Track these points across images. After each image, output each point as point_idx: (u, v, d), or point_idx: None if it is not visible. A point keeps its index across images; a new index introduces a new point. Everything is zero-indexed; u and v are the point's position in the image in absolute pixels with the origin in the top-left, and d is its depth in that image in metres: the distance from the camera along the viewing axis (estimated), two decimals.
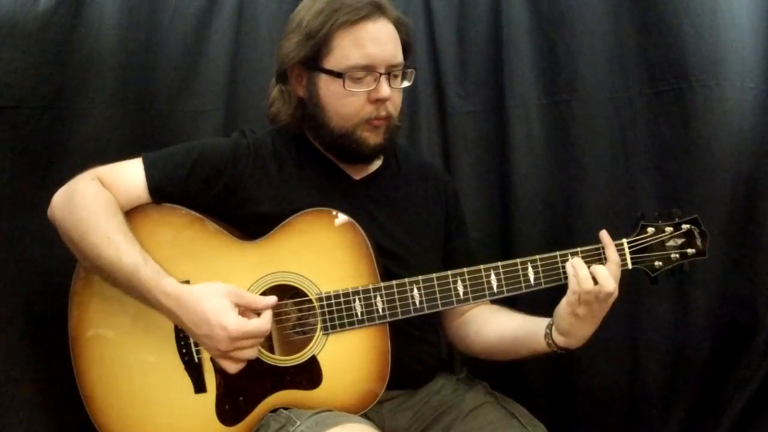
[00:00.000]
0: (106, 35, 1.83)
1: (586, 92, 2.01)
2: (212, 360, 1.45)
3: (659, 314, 1.98)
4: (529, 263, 1.44)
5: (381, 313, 1.43)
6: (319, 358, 1.44)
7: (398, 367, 1.45)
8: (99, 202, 1.41)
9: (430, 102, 2.13)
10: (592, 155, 2.02)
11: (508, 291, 1.44)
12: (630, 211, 1.94)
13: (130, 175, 1.47)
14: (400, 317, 1.43)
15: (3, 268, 1.68)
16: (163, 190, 1.48)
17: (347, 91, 1.46)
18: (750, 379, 1.89)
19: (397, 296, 1.43)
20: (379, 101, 1.48)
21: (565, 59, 2.02)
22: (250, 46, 2.01)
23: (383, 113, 1.49)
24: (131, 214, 1.46)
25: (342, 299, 1.43)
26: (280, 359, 1.45)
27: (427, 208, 1.66)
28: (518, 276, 1.44)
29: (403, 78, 1.53)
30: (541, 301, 1.49)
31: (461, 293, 1.44)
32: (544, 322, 1.46)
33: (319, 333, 1.44)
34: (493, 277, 1.44)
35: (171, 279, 1.36)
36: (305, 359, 1.44)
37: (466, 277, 1.44)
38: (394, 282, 1.43)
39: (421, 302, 1.44)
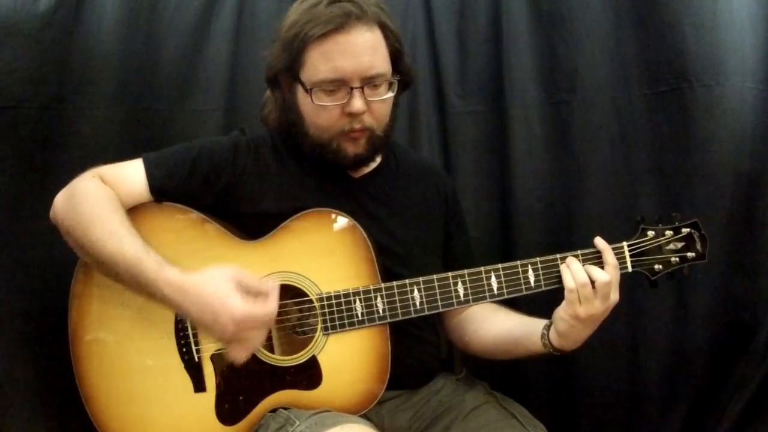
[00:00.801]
0: (106, 35, 1.83)
1: (586, 92, 2.01)
2: (212, 359, 1.45)
3: (659, 314, 1.98)
4: (529, 265, 1.44)
5: (381, 313, 1.43)
6: (319, 358, 1.44)
7: (398, 367, 1.45)
8: (100, 197, 1.41)
9: (430, 102, 2.12)
10: (592, 155, 2.02)
11: (508, 293, 1.44)
12: (630, 211, 1.94)
13: (130, 175, 1.47)
14: (401, 318, 1.44)
15: (3, 268, 1.68)
16: (164, 190, 1.48)
17: (317, 105, 1.44)
18: (750, 379, 1.89)
19: (397, 297, 1.43)
20: (352, 115, 1.45)
21: (565, 59, 2.02)
22: (250, 46, 2.01)
23: (358, 126, 1.46)
24: (132, 213, 1.46)
25: (342, 299, 1.43)
26: (280, 359, 1.45)
27: (427, 206, 1.66)
28: (518, 278, 1.44)
29: (389, 88, 1.49)
30: (541, 300, 1.49)
31: (462, 295, 1.44)
32: (541, 323, 1.47)
33: (319, 333, 1.44)
34: (493, 278, 1.44)
35: (173, 269, 1.34)
36: (305, 359, 1.44)
37: (467, 278, 1.44)
38: (394, 283, 1.44)
39: (421, 303, 1.44)
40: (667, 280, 1.48)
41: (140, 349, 1.46)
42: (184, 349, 1.45)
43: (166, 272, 1.33)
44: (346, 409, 1.43)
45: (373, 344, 1.44)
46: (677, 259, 1.46)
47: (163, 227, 1.48)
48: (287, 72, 1.49)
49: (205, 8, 1.97)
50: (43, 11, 1.72)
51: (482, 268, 1.45)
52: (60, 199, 1.45)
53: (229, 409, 1.44)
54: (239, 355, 1.34)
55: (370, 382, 1.44)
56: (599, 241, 1.44)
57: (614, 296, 1.40)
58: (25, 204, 1.69)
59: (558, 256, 1.44)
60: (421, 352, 1.59)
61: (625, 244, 1.46)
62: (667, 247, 1.47)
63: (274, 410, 1.44)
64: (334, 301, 1.43)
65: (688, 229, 1.47)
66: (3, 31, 1.67)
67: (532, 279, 1.44)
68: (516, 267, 1.44)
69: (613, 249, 1.45)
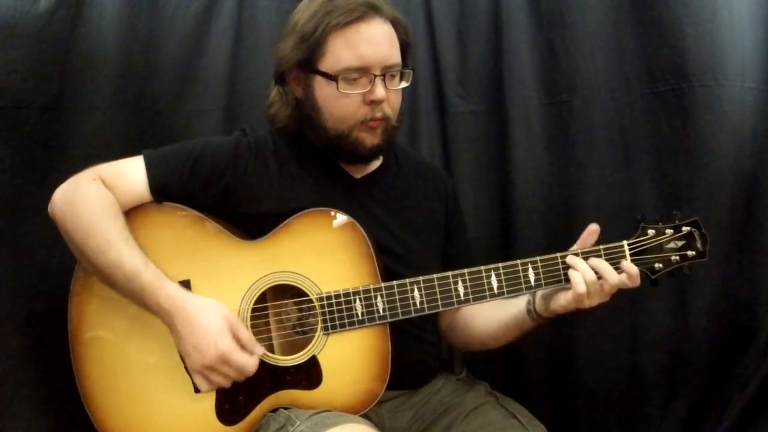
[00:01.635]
0: (106, 35, 1.83)
1: (586, 92, 2.01)
2: None
3: (659, 314, 1.98)
4: (529, 264, 1.44)
5: (381, 313, 1.43)
6: (319, 358, 1.44)
7: (398, 367, 1.45)
8: (100, 205, 1.41)
9: (430, 102, 2.12)
10: (592, 155, 2.02)
11: (508, 292, 1.44)
12: (630, 211, 1.94)
13: (131, 174, 1.47)
14: (401, 317, 1.44)
15: (3, 268, 1.68)
16: (165, 189, 1.48)
17: (341, 93, 1.46)
18: (750, 379, 1.89)
19: (397, 296, 1.43)
20: (374, 102, 1.47)
21: (565, 59, 2.02)
22: (250, 46, 2.01)
23: (379, 114, 1.49)
24: (132, 213, 1.47)
25: (342, 299, 1.43)
26: (280, 359, 1.45)
27: (427, 206, 1.66)
28: (518, 277, 1.44)
29: (401, 79, 1.53)
30: None
31: (462, 294, 1.44)
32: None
33: (319, 333, 1.44)
34: (493, 277, 1.44)
35: (173, 284, 1.36)
36: (305, 359, 1.44)
37: (467, 277, 1.44)
38: (394, 282, 1.44)
39: (421, 303, 1.44)
40: (668, 279, 1.48)
41: (140, 348, 1.46)
42: None
43: (166, 286, 1.35)
44: (346, 408, 1.42)
45: (373, 344, 1.44)
46: (677, 257, 1.46)
47: (163, 227, 1.48)
48: (303, 65, 1.50)
49: (205, 8, 1.97)
50: (43, 11, 1.71)
51: (482, 267, 1.45)
52: (59, 197, 1.45)
53: (229, 408, 1.44)
54: (202, 386, 1.35)
55: (370, 382, 1.44)
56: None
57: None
58: (25, 204, 1.69)
59: (558, 254, 1.45)
60: (421, 352, 1.59)
61: (625, 242, 1.46)
62: (668, 246, 1.47)
63: (274, 410, 1.44)
64: (334, 301, 1.43)
65: (688, 228, 1.47)
66: (3, 31, 1.66)
67: (532, 278, 1.44)
68: (516, 266, 1.44)
69: (614, 247, 1.45)
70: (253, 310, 1.45)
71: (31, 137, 1.72)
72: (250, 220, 1.50)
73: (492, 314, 1.57)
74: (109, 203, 1.42)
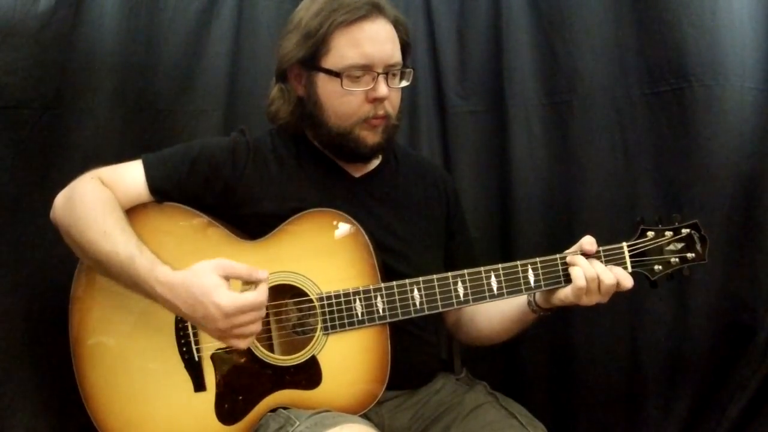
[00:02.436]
0: (106, 35, 1.83)
1: (586, 92, 2.01)
2: (212, 359, 1.45)
3: (659, 314, 1.98)
4: (529, 265, 1.44)
5: (381, 313, 1.43)
6: (319, 358, 1.44)
7: (398, 367, 1.45)
8: (97, 198, 1.42)
9: (430, 102, 2.13)
10: (592, 155, 2.02)
11: (508, 293, 1.44)
12: (630, 211, 1.94)
13: (130, 176, 1.48)
14: (401, 318, 1.44)
15: (3, 268, 1.68)
16: (164, 190, 1.48)
17: (345, 90, 1.47)
18: (750, 379, 1.89)
19: (397, 297, 1.43)
20: (377, 100, 1.48)
21: (565, 59, 2.02)
22: (250, 46, 2.01)
23: (381, 112, 1.50)
24: (132, 212, 1.47)
25: (342, 299, 1.43)
26: (279, 359, 1.45)
27: (427, 205, 1.66)
28: (518, 278, 1.44)
29: (402, 78, 1.54)
30: None
31: (461, 294, 1.44)
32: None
33: (319, 333, 1.44)
34: (493, 278, 1.44)
35: (164, 267, 1.34)
36: (305, 359, 1.44)
37: (467, 278, 1.44)
38: (394, 283, 1.44)
39: (421, 303, 1.44)
40: (667, 281, 1.48)
41: (141, 349, 1.46)
42: (185, 348, 1.46)
43: (158, 271, 1.34)
44: (345, 408, 1.43)
45: (373, 344, 1.45)
46: (677, 259, 1.46)
47: (163, 227, 1.49)
48: (306, 62, 1.51)
49: (205, 8, 1.97)
50: (43, 11, 1.71)
51: (482, 268, 1.45)
52: (59, 201, 1.46)
53: (229, 408, 1.44)
54: (239, 344, 1.34)
55: (369, 382, 1.44)
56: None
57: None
58: (25, 204, 1.69)
59: (558, 256, 1.45)
60: (421, 352, 1.59)
61: (624, 244, 1.46)
62: (667, 248, 1.47)
63: (274, 410, 1.44)
64: (334, 301, 1.43)
65: (688, 230, 1.47)
66: (3, 31, 1.66)
67: (531, 279, 1.44)
68: (516, 267, 1.44)
69: (613, 249, 1.46)
70: None
71: (31, 137, 1.72)
72: (250, 220, 1.50)
73: (495, 308, 1.58)
74: (107, 197, 1.43)
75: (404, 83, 1.55)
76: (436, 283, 1.44)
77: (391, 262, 1.50)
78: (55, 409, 1.70)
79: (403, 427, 1.54)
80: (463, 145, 2.12)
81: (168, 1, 1.93)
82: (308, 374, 1.44)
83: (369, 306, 1.43)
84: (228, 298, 1.29)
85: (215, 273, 1.31)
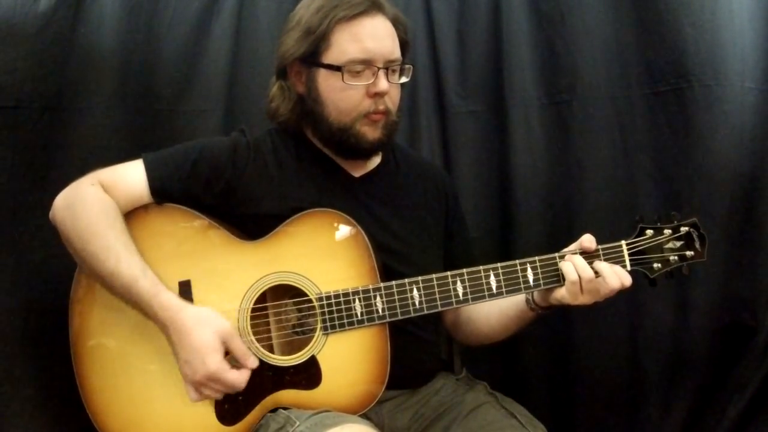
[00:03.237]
0: (106, 35, 1.84)
1: (586, 92, 2.01)
2: None
3: (659, 314, 1.98)
4: (528, 264, 1.44)
5: (381, 313, 1.43)
6: (319, 358, 1.44)
7: (398, 367, 1.45)
8: (99, 209, 1.42)
9: (430, 102, 2.13)
10: (592, 155, 2.02)
11: (507, 292, 1.44)
12: (630, 211, 1.94)
13: (131, 177, 1.48)
14: (400, 317, 1.44)
15: (3, 268, 1.68)
16: (165, 191, 1.48)
17: (346, 84, 1.48)
18: (750, 379, 1.89)
19: (396, 296, 1.43)
20: (378, 95, 1.49)
21: (565, 59, 2.02)
22: (250, 46, 2.01)
23: (381, 107, 1.51)
24: (133, 213, 1.47)
25: (342, 299, 1.43)
26: (279, 359, 1.45)
27: (427, 205, 1.66)
28: (517, 277, 1.44)
29: (401, 74, 1.55)
30: None
31: (461, 294, 1.44)
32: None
33: (318, 333, 1.44)
34: (492, 278, 1.44)
35: (169, 293, 1.37)
36: (305, 359, 1.44)
37: (466, 277, 1.44)
38: (393, 282, 1.44)
39: (420, 303, 1.44)
40: (666, 279, 1.48)
41: (141, 350, 1.46)
42: None
43: (162, 297, 1.36)
44: (345, 408, 1.42)
45: (372, 344, 1.44)
46: (676, 257, 1.46)
47: (163, 228, 1.48)
48: (307, 58, 1.51)
49: (205, 8, 1.97)
50: (43, 11, 1.72)
51: (481, 267, 1.45)
52: (60, 202, 1.46)
53: (228, 409, 1.44)
54: (193, 397, 1.38)
55: (369, 382, 1.44)
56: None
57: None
58: (25, 204, 1.69)
59: (557, 254, 1.45)
60: (420, 352, 1.59)
61: (623, 243, 1.46)
62: (666, 246, 1.47)
63: (273, 410, 1.44)
64: (333, 301, 1.43)
65: (686, 228, 1.47)
66: (3, 31, 1.67)
67: (531, 278, 1.44)
68: (515, 266, 1.44)
69: (612, 247, 1.46)
70: (253, 310, 1.45)
71: (31, 137, 1.72)
72: (250, 221, 1.50)
73: (494, 307, 1.58)
74: (108, 207, 1.43)
75: (404, 79, 1.55)
76: (435, 283, 1.44)
77: (391, 263, 1.50)
78: (55, 410, 1.71)
79: (403, 427, 1.54)
80: (463, 145, 2.12)
81: (168, 1, 1.93)
82: (308, 374, 1.44)
83: (368, 306, 1.43)
84: (216, 366, 1.33)
85: (218, 336, 1.35)
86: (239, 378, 1.36)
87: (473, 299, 1.44)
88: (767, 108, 1.88)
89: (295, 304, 1.48)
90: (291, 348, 1.46)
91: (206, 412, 1.44)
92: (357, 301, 1.43)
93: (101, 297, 1.46)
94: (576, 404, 2.08)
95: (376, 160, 1.63)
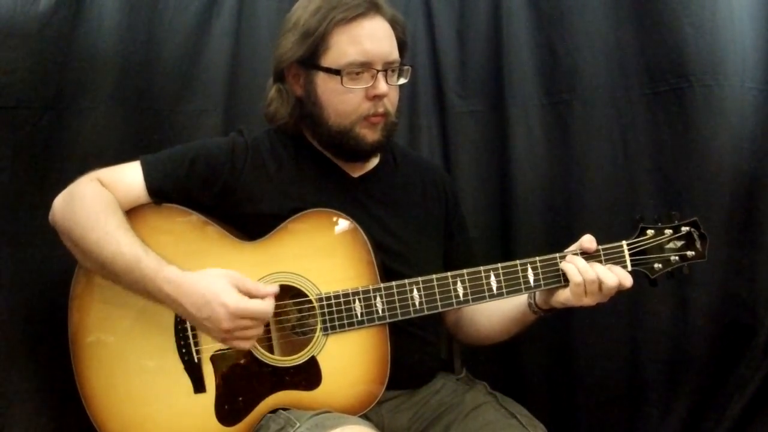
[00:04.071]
0: (106, 35, 1.83)
1: (586, 92, 2.01)
2: (212, 360, 1.45)
3: (659, 314, 1.98)
4: (528, 265, 1.44)
5: (381, 313, 1.43)
6: (319, 358, 1.44)
7: (398, 367, 1.45)
8: (98, 200, 1.42)
9: (430, 102, 2.13)
10: (592, 155, 2.02)
11: (507, 292, 1.44)
12: (630, 211, 1.94)
13: (129, 177, 1.48)
14: (400, 318, 1.44)
15: (3, 268, 1.68)
16: (162, 191, 1.48)
17: (345, 88, 1.47)
18: (750, 379, 1.89)
19: (396, 297, 1.43)
20: (377, 97, 1.49)
21: (565, 59, 2.02)
22: (250, 46, 2.01)
23: (380, 110, 1.50)
24: (131, 214, 1.47)
25: (342, 299, 1.43)
26: (279, 360, 1.45)
27: (426, 205, 1.66)
28: (518, 277, 1.44)
29: (400, 75, 1.54)
30: None
31: (461, 294, 1.44)
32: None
33: (318, 333, 1.44)
34: (492, 278, 1.44)
35: (172, 267, 1.36)
36: (305, 360, 1.44)
37: (466, 278, 1.44)
38: (393, 283, 1.44)
39: (420, 303, 1.44)
40: (667, 279, 1.48)
41: (140, 349, 1.46)
42: (184, 350, 1.45)
43: (166, 271, 1.35)
44: (345, 409, 1.42)
45: (372, 344, 1.44)
46: (677, 257, 1.46)
47: (162, 229, 1.48)
48: (305, 61, 1.51)
49: (205, 8, 1.97)
50: (43, 11, 1.71)
51: (481, 268, 1.44)
52: (59, 203, 1.46)
53: (228, 409, 1.44)
54: (241, 345, 1.36)
55: (369, 383, 1.44)
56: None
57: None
58: (25, 204, 1.69)
59: (557, 255, 1.45)
60: (420, 352, 1.59)
61: (624, 243, 1.46)
62: (667, 246, 1.47)
63: (273, 411, 1.44)
64: (333, 302, 1.43)
65: (687, 228, 1.46)
66: (3, 31, 1.66)
67: (531, 278, 1.44)
68: (515, 266, 1.44)
69: (613, 248, 1.46)
70: None
71: (31, 137, 1.72)
72: (249, 221, 1.50)
73: (495, 308, 1.58)
74: (107, 199, 1.43)
75: (402, 80, 1.55)
76: (435, 283, 1.44)
77: (390, 263, 1.50)
78: (55, 409, 1.70)
79: (403, 427, 1.54)
80: (463, 145, 2.12)
81: (168, 1, 1.93)
82: (308, 375, 1.44)
83: (368, 306, 1.43)
84: (235, 300, 1.31)
85: (225, 279, 1.34)
86: (264, 305, 1.33)
87: (474, 300, 1.44)
88: (767, 108, 1.87)
89: (295, 304, 1.48)
90: (291, 348, 1.46)
91: (206, 413, 1.44)
92: (357, 301, 1.43)
93: (100, 293, 1.47)
94: (576, 404, 2.08)
95: (375, 161, 1.63)
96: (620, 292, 1.43)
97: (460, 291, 1.44)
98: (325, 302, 1.43)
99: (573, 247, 1.46)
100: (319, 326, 1.44)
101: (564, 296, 1.43)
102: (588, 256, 1.44)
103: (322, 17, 1.46)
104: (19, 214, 1.70)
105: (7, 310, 1.68)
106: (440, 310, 1.45)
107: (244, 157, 1.53)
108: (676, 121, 1.92)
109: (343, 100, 1.49)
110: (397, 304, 1.43)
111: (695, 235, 1.47)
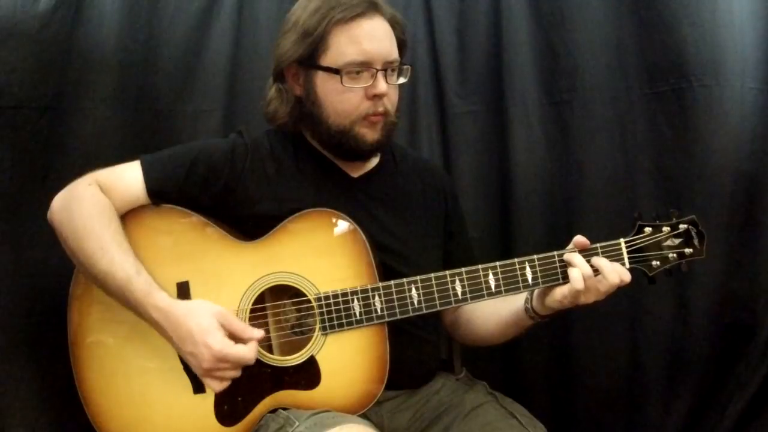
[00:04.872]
0: (106, 35, 1.83)
1: (586, 92, 2.01)
2: None
3: (659, 314, 1.98)
4: (527, 263, 1.44)
5: (379, 313, 1.43)
6: (318, 358, 1.44)
7: (398, 367, 1.45)
8: (95, 210, 1.42)
9: (430, 102, 2.13)
10: (592, 155, 2.02)
11: (506, 291, 1.44)
12: (630, 210, 1.92)
13: (128, 178, 1.47)
14: (399, 317, 1.43)
15: (3, 268, 1.68)
16: (162, 192, 1.48)
17: (345, 87, 1.47)
18: (750, 379, 1.89)
19: (395, 296, 1.43)
20: (377, 97, 1.49)
21: (565, 59, 2.02)
22: (250, 46, 2.01)
23: (380, 109, 1.50)
24: (130, 215, 1.47)
25: (340, 299, 1.43)
26: (278, 359, 1.45)
27: (426, 205, 1.66)
28: (516, 276, 1.44)
29: (400, 74, 1.54)
30: None
31: (459, 293, 1.44)
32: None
33: (317, 333, 1.44)
34: (491, 276, 1.44)
35: (162, 293, 1.36)
36: (304, 359, 1.44)
37: (464, 277, 1.44)
38: (392, 282, 1.43)
39: (419, 302, 1.44)
40: (666, 277, 1.48)
41: (140, 351, 1.46)
42: None
43: (155, 296, 1.35)
44: (345, 408, 1.42)
45: (371, 344, 1.44)
46: (675, 255, 1.46)
47: (161, 229, 1.48)
48: (305, 60, 1.51)
49: (205, 8, 1.97)
50: (43, 11, 1.72)
51: (479, 266, 1.44)
52: (57, 203, 1.46)
53: (228, 409, 1.44)
54: (215, 386, 1.36)
55: (368, 382, 1.44)
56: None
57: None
58: (25, 204, 1.69)
59: (555, 253, 1.44)
60: (420, 352, 1.59)
61: (622, 240, 1.46)
62: (665, 244, 1.46)
63: (273, 410, 1.44)
64: (332, 301, 1.43)
65: (685, 226, 1.46)
66: (3, 31, 1.67)
67: (529, 276, 1.44)
68: (514, 265, 1.44)
69: (611, 245, 1.45)
70: (252, 311, 1.45)
71: (31, 137, 1.72)
72: (248, 221, 1.50)
73: (492, 311, 1.58)
74: (104, 207, 1.43)
75: (402, 80, 1.55)
76: (433, 282, 1.44)
77: (390, 262, 1.50)
78: (55, 409, 1.70)
79: (403, 427, 1.54)
80: (463, 145, 2.12)
81: (168, 1, 1.93)
82: (307, 374, 1.44)
83: (367, 306, 1.43)
84: (220, 344, 1.31)
85: (214, 318, 1.34)
86: (247, 351, 1.33)
87: (472, 298, 1.44)
88: (767, 108, 1.87)
89: (293, 304, 1.48)
90: (290, 348, 1.46)
91: (206, 413, 1.44)
92: (356, 300, 1.43)
93: (100, 294, 1.46)
94: (576, 404, 2.08)
95: (375, 161, 1.63)
96: (619, 290, 1.43)
97: (459, 290, 1.44)
98: (323, 302, 1.43)
99: (568, 249, 1.46)
100: (317, 326, 1.44)
101: (561, 294, 1.42)
102: (586, 253, 1.44)
103: (322, 17, 1.47)
104: (19, 214, 1.70)
105: (7, 310, 1.68)
106: (439, 308, 1.45)
107: (243, 159, 1.53)
108: (676, 121, 1.92)
109: (342, 100, 1.49)
110: (396, 304, 1.43)
111: (693, 233, 1.46)
